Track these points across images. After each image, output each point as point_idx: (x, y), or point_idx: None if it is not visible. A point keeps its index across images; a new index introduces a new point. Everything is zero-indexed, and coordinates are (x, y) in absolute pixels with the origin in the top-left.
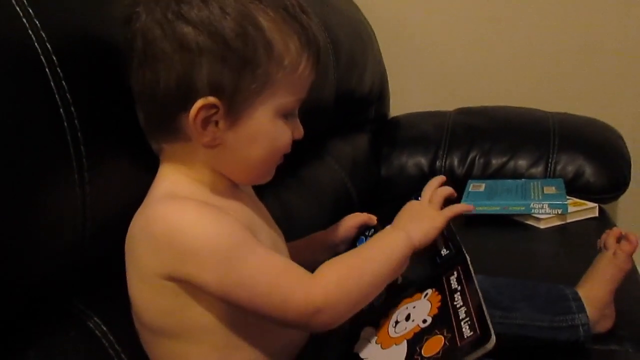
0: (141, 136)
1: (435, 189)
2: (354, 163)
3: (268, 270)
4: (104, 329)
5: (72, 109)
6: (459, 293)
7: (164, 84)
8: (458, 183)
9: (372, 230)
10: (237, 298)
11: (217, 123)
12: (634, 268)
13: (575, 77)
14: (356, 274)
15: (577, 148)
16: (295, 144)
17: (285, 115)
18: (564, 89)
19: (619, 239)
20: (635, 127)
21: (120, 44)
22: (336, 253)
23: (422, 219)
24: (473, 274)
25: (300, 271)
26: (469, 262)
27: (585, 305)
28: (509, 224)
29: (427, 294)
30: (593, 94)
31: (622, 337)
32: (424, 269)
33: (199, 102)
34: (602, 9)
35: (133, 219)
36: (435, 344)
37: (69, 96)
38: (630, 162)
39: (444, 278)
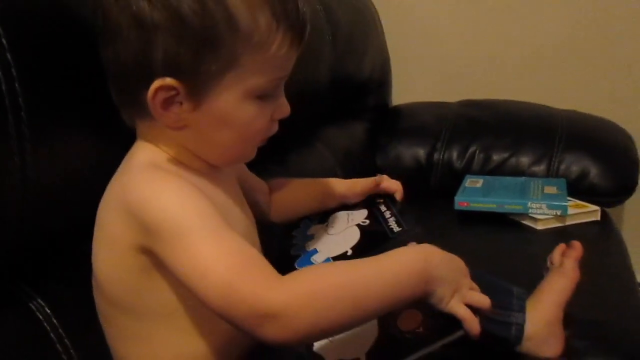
0: (90, 106)
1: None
2: (347, 152)
3: (227, 258)
4: (48, 311)
5: (13, 71)
6: None
7: (122, 61)
8: (456, 177)
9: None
10: (187, 282)
11: (181, 103)
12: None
13: (588, 75)
14: (334, 296)
15: (583, 147)
16: (284, 128)
17: (260, 96)
18: (575, 86)
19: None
20: None
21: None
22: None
23: (454, 280)
24: None
25: (267, 268)
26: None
27: (529, 317)
28: (505, 224)
29: None
30: (605, 93)
31: (611, 351)
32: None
33: (156, 83)
34: (619, 2)
35: (108, 186)
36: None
37: (9, 56)
38: (638, 164)
39: None
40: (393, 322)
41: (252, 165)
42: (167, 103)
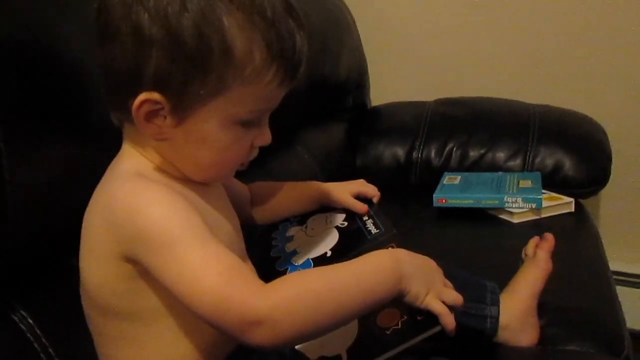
0: (67, 117)
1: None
2: (327, 153)
3: (215, 267)
4: (30, 322)
5: None
6: None
7: (116, 65)
8: (435, 175)
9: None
10: (175, 291)
11: (165, 117)
12: (604, 265)
13: (561, 69)
14: (315, 300)
15: (556, 141)
16: None
17: (243, 123)
18: (549, 81)
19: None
20: (619, 121)
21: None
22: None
23: (427, 278)
24: None
25: (251, 276)
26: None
27: (504, 307)
28: (482, 218)
29: None
30: (578, 86)
31: (584, 337)
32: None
33: (142, 96)
34: None
35: (94, 194)
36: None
37: None
38: (611, 156)
39: None
40: (373, 320)
41: None
42: (151, 115)
